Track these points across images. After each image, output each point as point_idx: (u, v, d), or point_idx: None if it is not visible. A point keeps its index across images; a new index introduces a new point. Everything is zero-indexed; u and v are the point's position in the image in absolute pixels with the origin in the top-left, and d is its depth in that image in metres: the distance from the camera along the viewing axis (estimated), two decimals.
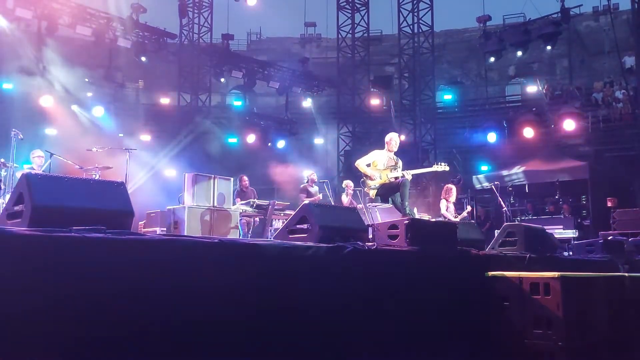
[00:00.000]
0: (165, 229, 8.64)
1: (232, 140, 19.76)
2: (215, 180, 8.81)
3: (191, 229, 8.04)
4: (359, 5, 20.92)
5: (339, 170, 19.43)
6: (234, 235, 8.59)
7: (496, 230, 8.50)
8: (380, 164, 7.69)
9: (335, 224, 4.36)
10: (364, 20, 20.95)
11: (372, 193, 7.73)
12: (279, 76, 19.88)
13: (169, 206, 8.84)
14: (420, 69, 19.44)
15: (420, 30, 19.34)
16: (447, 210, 9.90)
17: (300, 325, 3.48)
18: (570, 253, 8.80)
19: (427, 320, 4.24)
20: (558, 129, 17.06)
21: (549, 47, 16.18)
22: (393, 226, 4.77)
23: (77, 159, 9.17)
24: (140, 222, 9.66)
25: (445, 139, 19.54)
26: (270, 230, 9.27)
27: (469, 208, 11.38)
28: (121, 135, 14.26)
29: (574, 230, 12.52)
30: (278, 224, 9.29)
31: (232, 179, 9.38)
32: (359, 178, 8.15)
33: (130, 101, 22.60)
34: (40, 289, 2.55)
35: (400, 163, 7.77)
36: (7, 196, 6.95)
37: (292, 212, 5.43)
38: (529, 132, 16.52)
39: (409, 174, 7.54)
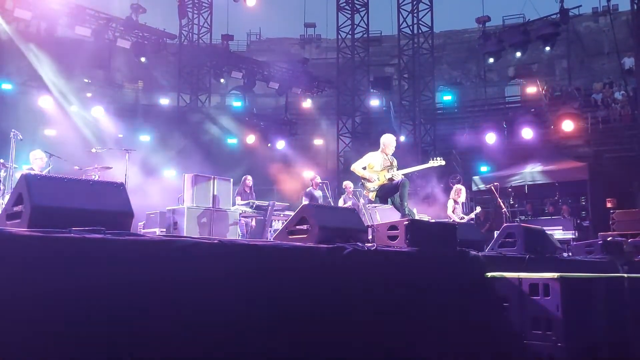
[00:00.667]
0: (164, 229, 8.65)
1: (232, 140, 19.78)
2: (215, 181, 8.82)
3: (190, 229, 8.05)
4: (358, 6, 20.93)
5: (339, 171, 19.44)
6: (233, 236, 8.59)
7: (496, 231, 8.51)
8: (376, 165, 7.69)
9: (335, 225, 4.36)
10: (364, 21, 20.96)
11: (372, 195, 7.73)
12: (278, 77, 19.87)
13: (169, 207, 8.86)
14: (420, 69, 19.45)
15: (420, 31, 19.37)
16: (454, 211, 9.88)
17: (300, 325, 3.48)
18: (570, 254, 8.79)
19: (426, 321, 4.24)
20: (557, 130, 17.07)
21: (548, 48, 16.19)
22: (392, 227, 4.76)
23: (76, 160, 9.18)
24: (139, 223, 9.66)
25: (444, 139, 19.51)
26: (270, 231, 9.28)
27: (477, 209, 11.32)
28: (121, 135, 14.29)
29: (574, 231, 12.53)
30: (278, 225, 9.30)
31: (231, 179, 9.39)
32: (358, 179, 8.16)
33: (130, 102, 22.58)
34: (40, 289, 2.55)
35: (395, 163, 7.77)
36: (7, 197, 6.93)
37: (292, 213, 5.43)
38: (528, 133, 16.54)
39: (398, 175, 7.50)
